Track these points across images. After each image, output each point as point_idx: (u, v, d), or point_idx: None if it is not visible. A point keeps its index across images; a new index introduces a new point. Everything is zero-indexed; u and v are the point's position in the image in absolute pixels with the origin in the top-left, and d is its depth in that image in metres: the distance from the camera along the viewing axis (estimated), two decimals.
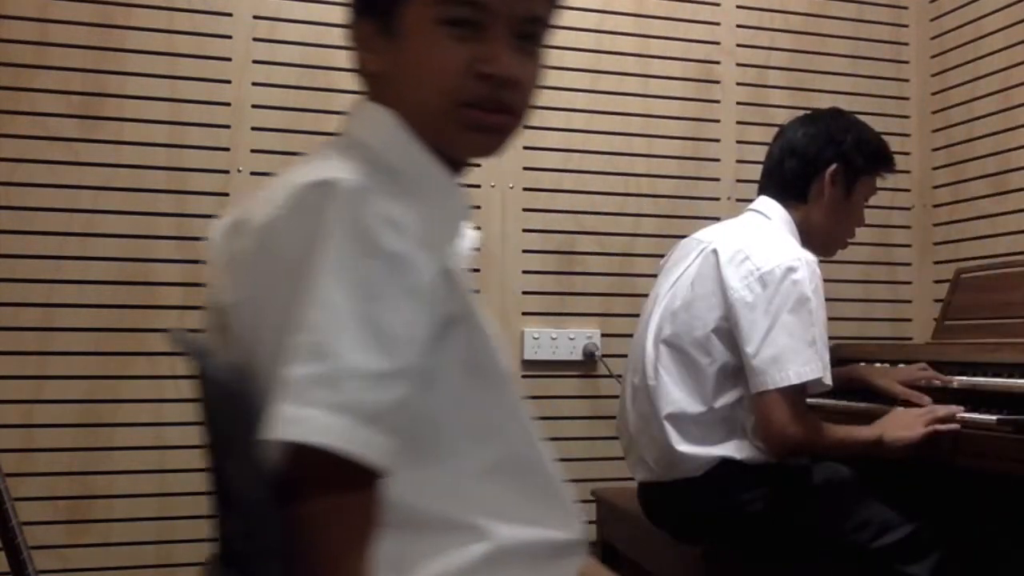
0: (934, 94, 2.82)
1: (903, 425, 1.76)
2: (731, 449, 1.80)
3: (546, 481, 0.95)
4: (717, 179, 2.71)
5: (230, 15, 2.37)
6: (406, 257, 0.82)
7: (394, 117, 0.93)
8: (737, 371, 1.79)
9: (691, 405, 1.81)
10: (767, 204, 1.96)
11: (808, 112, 2.04)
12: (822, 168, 1.93)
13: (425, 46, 0.91)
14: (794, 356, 1.71)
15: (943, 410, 1.77)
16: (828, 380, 1.76)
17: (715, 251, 1.85)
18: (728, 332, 1.79)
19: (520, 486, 0.92)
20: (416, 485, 0.86)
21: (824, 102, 2.43)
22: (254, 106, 2.37)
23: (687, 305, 1.86)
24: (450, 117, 0.92)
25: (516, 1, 0.92)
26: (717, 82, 2.72)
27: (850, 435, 1.78)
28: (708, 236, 1.94)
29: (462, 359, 0.89)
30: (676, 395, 1.82)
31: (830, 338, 1.82)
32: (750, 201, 2.02)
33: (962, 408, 1.76)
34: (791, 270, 1.75)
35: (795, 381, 1.71)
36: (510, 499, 0.91)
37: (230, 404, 0.86)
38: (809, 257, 1.81)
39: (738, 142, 2.72)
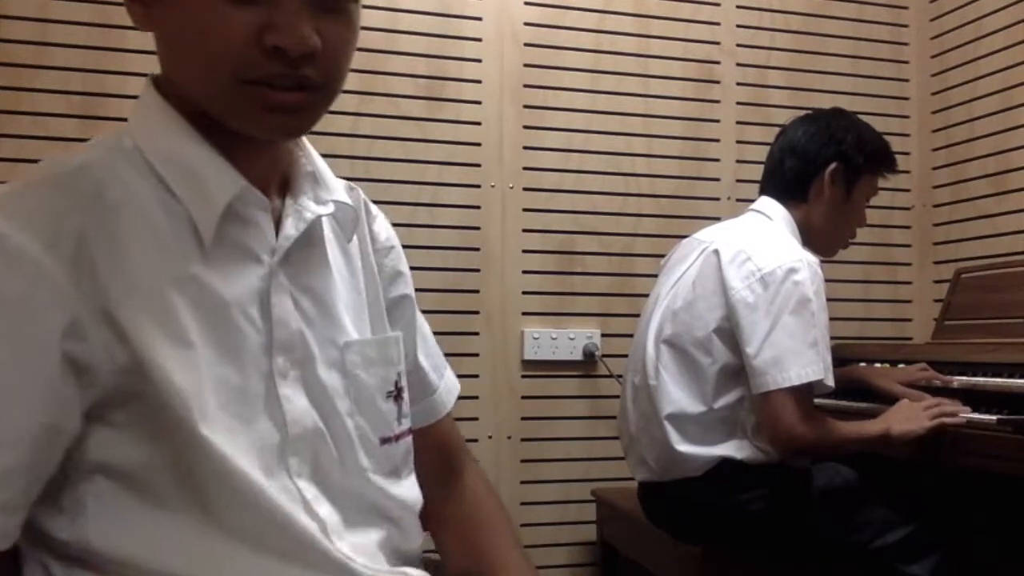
0: (934, 94, 2.82)
1: (909, 418, 1.76)
2: (731, 449, 1.80)
3: (282, 532, 0.79)
4: (717, 179, 2.70)
5: None
6: (17, 301, 0.70)
7: (153, 94, 0.82)
8: (738, 371, 1.79)
9: (691, 405, 1.81)
10: (768, 204, 1.96)
11: (809, 112, 2.05)
12: (822, 167, 1.93)
13: (198, 10, 0.75)
14: (795, 357, 1.71)
15: (949, 404, 1.77)
16: (830, 381, 1.76)
17: (716, 251, 1.85)
18: (729, 332, 1.79)
19: (244, 540, 0.77)
20: (128, 541, 0.75)
21: (824, 102, 2.43)
22: None
23: (688, 305, 1.86)
24: (234, 97, 0.77)
25: None
26: (717, 82, 2.72)
27: (856, 431, 1.78)
28: (709, 236, 1.94)
29: (145, 411, 0.75)
30: (677, 395, 1.82)
31: (830, 338, 1.82)
32: (750, 201, 2.02)
33: (965, 408, 1.76)
34: (792, 271, 1.75)
35: (796, 382, 1.70)
36: (238, 555, 0.77)
37: None
38: (811, 258, 1.81)
39: (738, 142, 2.72)
